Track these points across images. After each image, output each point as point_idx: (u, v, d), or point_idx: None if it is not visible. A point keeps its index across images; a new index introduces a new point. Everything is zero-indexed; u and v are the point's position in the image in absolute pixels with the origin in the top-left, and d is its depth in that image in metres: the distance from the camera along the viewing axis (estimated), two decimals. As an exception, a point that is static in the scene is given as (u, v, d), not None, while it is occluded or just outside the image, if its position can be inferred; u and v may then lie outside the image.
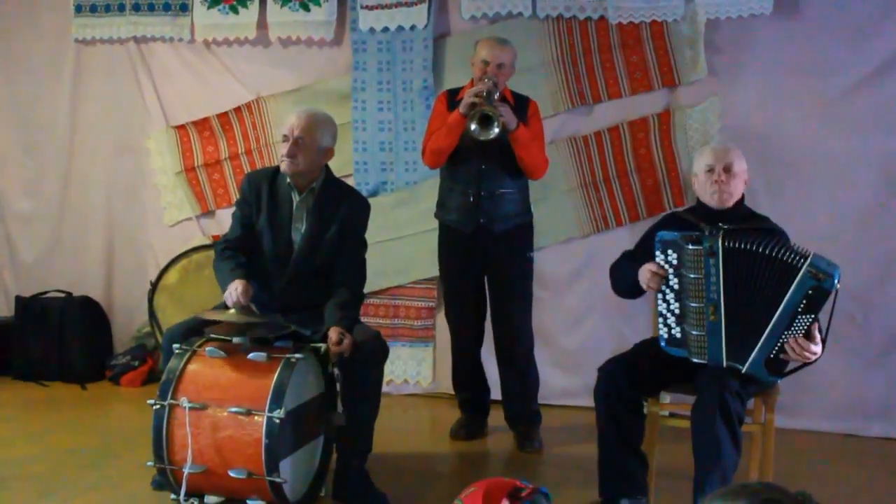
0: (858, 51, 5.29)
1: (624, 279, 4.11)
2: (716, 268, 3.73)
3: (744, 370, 3.73)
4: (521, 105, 4.96)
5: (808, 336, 3.64)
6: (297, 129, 4.21)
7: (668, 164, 5.56)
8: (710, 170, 4.05)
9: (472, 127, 4.66)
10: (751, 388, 3.81)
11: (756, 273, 3.69)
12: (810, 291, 3.58)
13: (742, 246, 3.70)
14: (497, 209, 4.91)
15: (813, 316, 3.62)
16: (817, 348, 3.65)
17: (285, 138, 4.22)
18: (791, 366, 3.77)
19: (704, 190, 4.08)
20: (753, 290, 3.70)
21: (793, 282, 3.60)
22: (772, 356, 3.69)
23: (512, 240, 5.00)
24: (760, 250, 3.67)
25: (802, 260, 3.59)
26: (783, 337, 3.65)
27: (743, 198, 4.13)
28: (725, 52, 5.49)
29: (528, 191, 5.09)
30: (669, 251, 3.85)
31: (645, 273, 3.92)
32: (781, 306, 3.62)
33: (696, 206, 4.19)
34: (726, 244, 3.71)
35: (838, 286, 3.60)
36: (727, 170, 4.03)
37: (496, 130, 4.64)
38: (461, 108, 4.73)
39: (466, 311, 5.17)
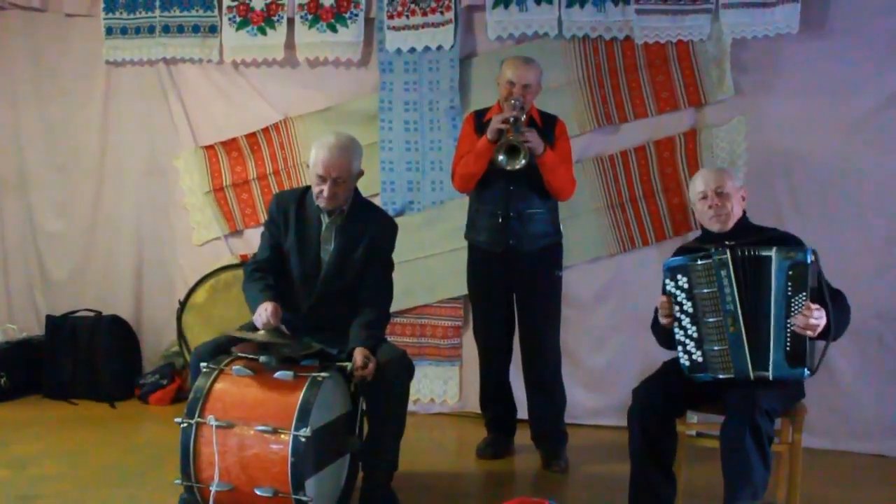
0: (886, 69, 5.28)
1: (660, 330, 4.11)
2: (728, 278, 3.76)
3: (771, 376, 3.72)
4: (549, 125, 4.97)
5: (807, 309, 3.67)
6: (334, 170, 4.20)
7: (695, 183, 5.55)
8: (704, 196, 4.07)
9: (500, 158, 4.70)
10: (779, 405, 3.79)
11: (754, 277, 3.75)
12: (790, 272, 3.66)
13: (751, 253, 3.76)
14: (526, 229, 4.92)
15: (804, 293, 3.67)
16: (819, 312, 3.67)
17: (322, 179, 4.21)
18: (812, 351, 3.76)
19: (704, 216, 4.10)
20: (756, 293, 3.75)
21: (772, 269, 3.68)
22: (788, 348, 3.70)
23: (541, 259, 5.00)
24: (756, 254, 3.75)
25: (769, 251, 3.69)
26: (788, 324, 3.68)
27: (744, 214, 4.13)
28: (752, 71, 5.49)
29: (558, 211, 5.09)
30: (679, 276, 3.88)
31: (659, 312, 3.98)
32: (773, 295, 3.69)
33: (703, 235, 4.21)
34: (737, 253, 3.76)
35: (813, 257, 3.68)
36: (719, 193, 4.04)
37: (523, 162, 4.67)
38: (489, 135, 4.75)
39: (495, 330, 5.17)
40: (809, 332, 3.68)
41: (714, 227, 4.05)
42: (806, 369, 3.74)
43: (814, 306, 3.66)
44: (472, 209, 5.14)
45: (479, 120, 4.99)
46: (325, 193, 4.21)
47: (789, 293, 3.67)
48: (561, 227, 5.12)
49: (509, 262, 4.97)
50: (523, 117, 4.76)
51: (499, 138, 4.72)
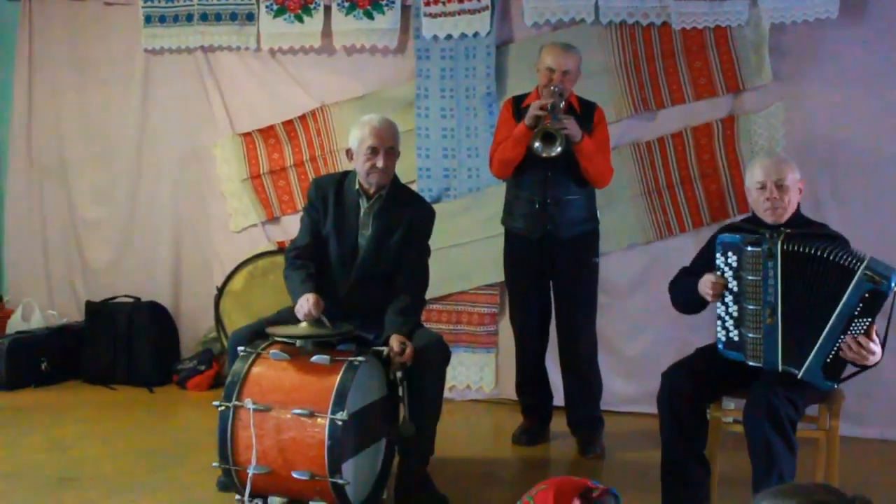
0: (926, 56, 5.23)
1: (684, 293, 4.08)
2: (773, 270, 3.69)
3: (800, 375, 3.68)
4: (587, 112, 4.96)
5: (867, 336, 3.59)
6: (389, 139, 4.28)
7: (732, 169, 5.53)
8: (762, 186, 3.98)
9: (536, 145, 4.70)
10: (806, 393, 3.76)
11: (813, 277, 3.64)
12: (867, 294, 3.53)
13: (801, 249, 3.66)
14: (563, 216, 4.92)
15: (870, 319, 3.57)
16: (877, 348, 3.60)
17: (374, 151, 4.24)
18: (848, 370, 3.71)
19: (758, 205, 4.02)
20: (810, 294, 3.65)
21: (849, 284, 3.54)
22: (829, 360, 3.64)
23: (578, 246, 5.00)
24: (818, 254, 3.63)
25: (858, 263, 3.54)
26: (840, 340, 3.60)
27: (799, 208, 4.08)
28: (790, 56, 5.46)
29: (595, 197, 5.08)
30: (730, 253, 3.83)
31: (706, 283, 3.88)
32: (838, 309, 3.57)
33: (752, 218, 4.14)
34: (785, 247, 3.68)
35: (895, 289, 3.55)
36: (779, 185, 3.95)
37: (558, 149, 4.67)
38: (527, 121, 4.76)
39: (531, 316, 5.18)
40: (854, 359, 3.62)
41: (769, 218, 3.96)
42: (835, 384, 3.72)
43: (874, 342, 3.58)
44: (509, 195, 5.14)
45: (518, 106, 4.99)
46: (380, 164, 4.24)
47: (856, 313, 3.56)
48: (598, 213, 5.11)
49: (546, 249, 4.97)
50: (562, 104, 4.75)
51: (536, 124, 4.72)
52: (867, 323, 3.57)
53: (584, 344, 5.11)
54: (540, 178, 4.89)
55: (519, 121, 4.87)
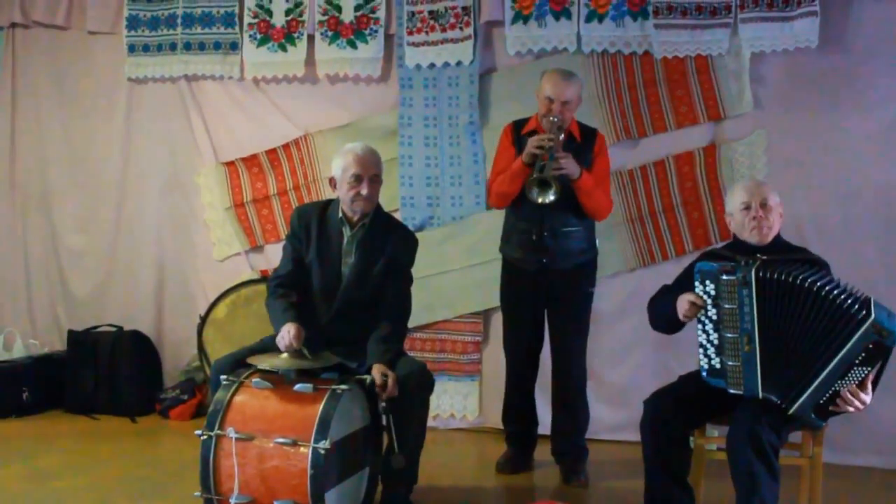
0: (905, 83, 5.28)
1: (663, 312, 4.10)
2: (749, 298, 3.70)
3: (791, 411, 3.68)
4: (588, 139, 4.93)
5: (862, 385, 3.60)
6: (373, 167, 4.30)
7: (715, 197, 5.55)
8: (747, 207, 4.01)
9: (531, 192, 4.63)
10: (789, 420, 3.76)
11: (795, 307, 3.65)
12: (871, 346, 3.53)
13: (777, 277, 3.67)
14: (560, 248, 4.88)
15: (869, 368, 3.58)
16: (868, 398, 3.61)
17: (358, 179, 4.26)
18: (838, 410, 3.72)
19: (743, 227, 4.04)
20: (793, 323, 3.65)
21: (853, 335, 3.52)
22: (821, 402, 3.64)
23: (574, 277, 4.97)
24: (797, 283, 3.63)
25: (864, 312, 3.52)
26: (836, 385, 3.60)
27: (779, 232, 4.10)
28: (771, 85, 5.49)
29: (594, 226, 5.06)
30: (707, 282, 3.84)
31: (683, 303, 3.89)
32: (838, 357, 3.56)
33: (734, 243, 4.16)
34: (759, 274, 3.69)
35: None
36: (763, 205, 3.99)
37: (552, 197, 4.61)
38: (524, 158, 4.71)
39: (524, 345, 5.14)
40: (848, 409, 3.63)
41: (753, 239, 3.99)
42: (823, 422, 3.74)
43: (867, 392, 3.59)
44: (507, 223, 5.10)
45: (518, 132, 4.96)
46: (365, 192, 4.26)
47: (857, 362, 3.55)
48: (597, 241, 5.09)
49: (542, 280, 4.94)
50: (561, 137, 4.72)
51: (534, 162, 4.67)
52: (866, 371, 3.57)
53: (575, 374, 5.09)
54: (537, 210, 4.80)
55: (518, 147, 4.83)
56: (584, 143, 4.88)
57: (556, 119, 4.72)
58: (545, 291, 4.98)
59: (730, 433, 3.75)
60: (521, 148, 4.78)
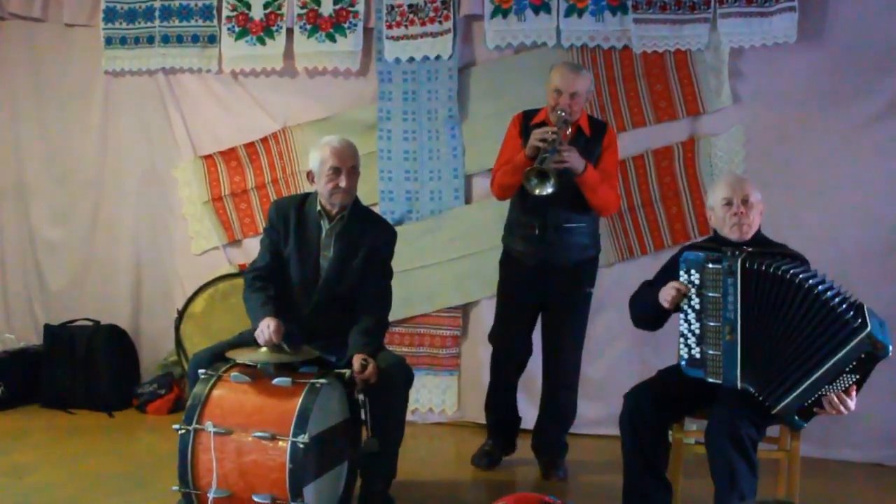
0: (883, 79, 5.31)
1: (645, 305, 4.10)
2: (734, 287, 3.72)
3: (774, 411, 3.69)
4: (597, 133, 4.89)
5: (847, 392, 3.61)
6: (350, 159, 4.30)
7: (693, 192, 5.57)
8: (728, 203, 4.02)
9: (530, 182, 4.56)
10: (768, 413, 3.78)
11: (781, 300, 3.66)
12: (863, 356, 3.54)
13: (764, 268, 3.69)
14: (562, 243, 4.85)
15: (857, 377, 3.59)
16: (853, 405, 3.63)
17: (336, 172, 4.25)
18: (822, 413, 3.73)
19: (723, 223, 4.05)
20: (778, 316, 3.67)
21: (847, 343, 3.54)
22: (805, 405, 3.66)
23: (574, 274, 4.93)
24: (786, 277, 3.65)
25: (860, 321, 3.53)
26: (823, 390, 3.62)
27: (760, 228, 4.11)
28: (750, 80, 5.51)
29: (598, 222, 5.04)
30: (693, 271, 3.85)
31: (668, 290, 3.91)
32: (830, 363, 3.56)
33: (714, 239, 4.16)
34: (746, 265, 3.71)
35: (891, 352, 3.56)
36: (745, 201, 4.00)
37: (549, 189, 4.53)
38: (527, 150, 4.68)
39: (516, 340, 5.08)
40: (832, 412, 3.65)
41: (734, 235, 4.00)
42: (804, 423, 3.74)
43: (851, 399, 3.61)
44: (510, 215, 5.06)
45: (526, 122, 4.91)
46: (343, 184, 4.25)
47: (847, 369, 3.57)
48: (600, 239, 5.08)
49: (542, 276, 4.89)
50: (568, 130, 4.68)
51: (536, 155, 4.63)
52: (854, 378, 3.59)
53: (569, 373, 5.06)
54: (541, 204, 4.75)
55: (526, 137, 4.77)
56: (593, 137, 4.85)
57: (563, 113, 4.68)
58: (544, 289, 4.93)
59: (709, 427, 3.77)
60: (529, 138, 4.74)
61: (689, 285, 3.86)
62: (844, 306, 3.58)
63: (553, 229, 4.82)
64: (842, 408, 3.61)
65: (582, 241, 4.91)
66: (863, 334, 3.52)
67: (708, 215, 4.18)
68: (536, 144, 4.63)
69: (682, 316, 3.90)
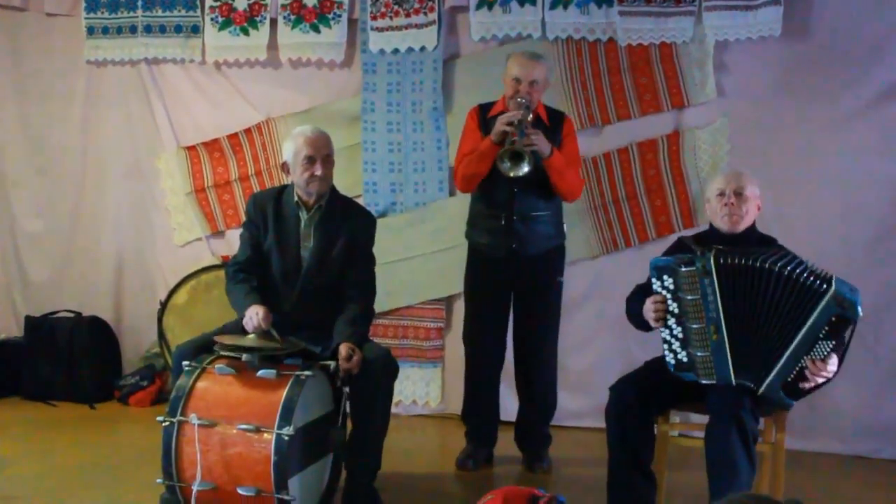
0: (867, 74, 5.32)
1: (637, 319, 4.08)
2: (711, 287, 3.71)
3: (760, 392, 3.70)
4: (556, 122, 4.87)
5: (825, 359, 3.62)
6: (324, 147, 4.28)
7: (678, 185, 5.58)
8: (721, 193, 4.03)
9: (503, 165, 4.53)
10: (764, 407, 3.79)
11: (759, 289, 3.67)
12: (833, 318, 3.56)
13: (736, 262, 3.69)
14: (529, 233, 4.81)
15: (833, 342, 3.60)
16: (833, 367, 3.63)
17: (311, 161, 4.23)
18: (806, 386, 3.74)
19: (716, 214, 4.06)
20: (758, 306, 3.68)
21: (815, 308, 3.57)
22: (789, 379, 3.67)
23: (543, 263, 4.90)
24: (758, 266, 3.66)
25: (825, 286, 3.56)
26: (803, 361, 3.63)
27: (754, 223, 4.11)
28: (734, 73, 5.53)
29: (562, 212, 5.00)
30: (665, 276, 3.84)
31: (648, 310, 3.91)
32: (803, 332, 3.59)
33: (708, 231, 4.18)
34: (719, 262, 3.71)
35: (861, 313, 3.57)
36: (738, 193, 4.00)
37: (526, 169, 4.51)
38: (493, 136, 4.64)
39: (490, 335, 5.03)
40: (817, 380, 3.64)
41: (724, 226, 4.01)
42: (793, 401, 3.75)
43: (831, 361, 3.62)
44: (473, 209, 5.01)
45: (484, 115, 4.87)
46: (319, 172, 4.24)
47: (821, 336, 3.58)
48: (564, 227, 5.05)
49: (511, 267, 4.85)
50: (529, 117, 4.64)
51: (503, 140, 4.61)
52: (831, 346, 3.60)
53: (545, 365, 5.04)
54: (506, 194, 4.75)
55: (485, 131, 4.76)
56: (552, 126, 4.83)
57: (522, 100, 4.66)
58: (513, 280, 4.91)
59: (712, 421, 3.76)
60: (488, 131, 4.72)
61: (664, 292, 3.85)
62: (812, 278, 3.60)
63: (520, 219, 4.79)
64: (822, 374, 3.61)
65: (547, 230, 4.89)
66: (828, 296, 3.54)
67: (706, 208, 4.19)
68: (503, 129, 4.60)
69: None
